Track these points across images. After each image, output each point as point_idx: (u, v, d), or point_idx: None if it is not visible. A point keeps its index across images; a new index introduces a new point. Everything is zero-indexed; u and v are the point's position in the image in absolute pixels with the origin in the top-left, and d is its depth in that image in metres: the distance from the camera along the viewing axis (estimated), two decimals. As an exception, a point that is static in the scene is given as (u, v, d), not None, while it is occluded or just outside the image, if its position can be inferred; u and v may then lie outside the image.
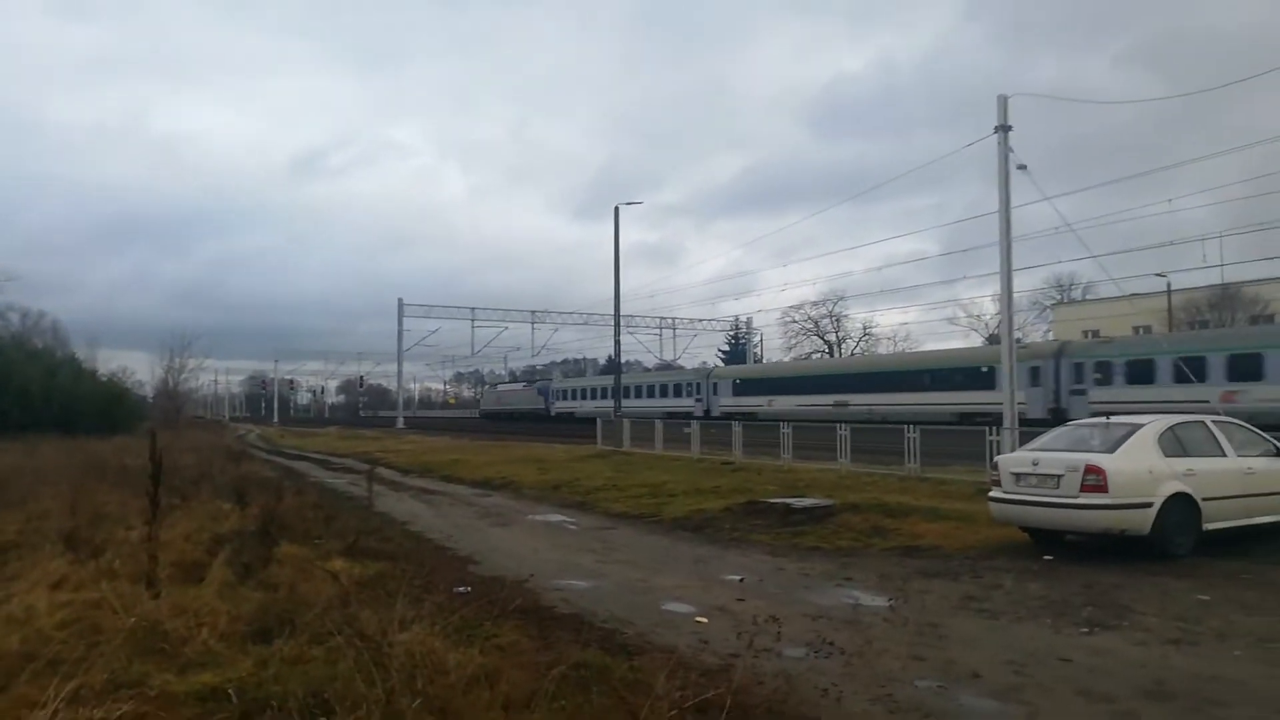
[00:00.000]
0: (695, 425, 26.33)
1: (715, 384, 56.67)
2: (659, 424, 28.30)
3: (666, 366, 73.70)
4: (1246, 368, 28.00)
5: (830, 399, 43.13)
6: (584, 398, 68.98)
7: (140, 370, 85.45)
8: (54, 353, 46.59)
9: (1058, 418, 28.22)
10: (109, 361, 58.62)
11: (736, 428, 23.98)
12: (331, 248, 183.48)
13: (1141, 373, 30.77)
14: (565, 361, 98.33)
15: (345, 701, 3.91)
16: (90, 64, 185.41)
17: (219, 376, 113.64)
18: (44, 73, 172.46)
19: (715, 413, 52.06)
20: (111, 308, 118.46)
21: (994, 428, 16.56)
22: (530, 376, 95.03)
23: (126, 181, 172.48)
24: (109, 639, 5.24)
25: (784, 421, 23.19)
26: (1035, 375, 33.35)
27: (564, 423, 61.59)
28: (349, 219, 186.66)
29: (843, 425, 20.05)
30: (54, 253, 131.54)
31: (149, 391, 60.22)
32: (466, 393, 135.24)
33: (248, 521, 10.14)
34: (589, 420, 45.49)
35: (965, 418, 31.26)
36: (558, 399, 73.57)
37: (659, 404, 58.18)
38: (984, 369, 35.41)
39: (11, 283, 65.27)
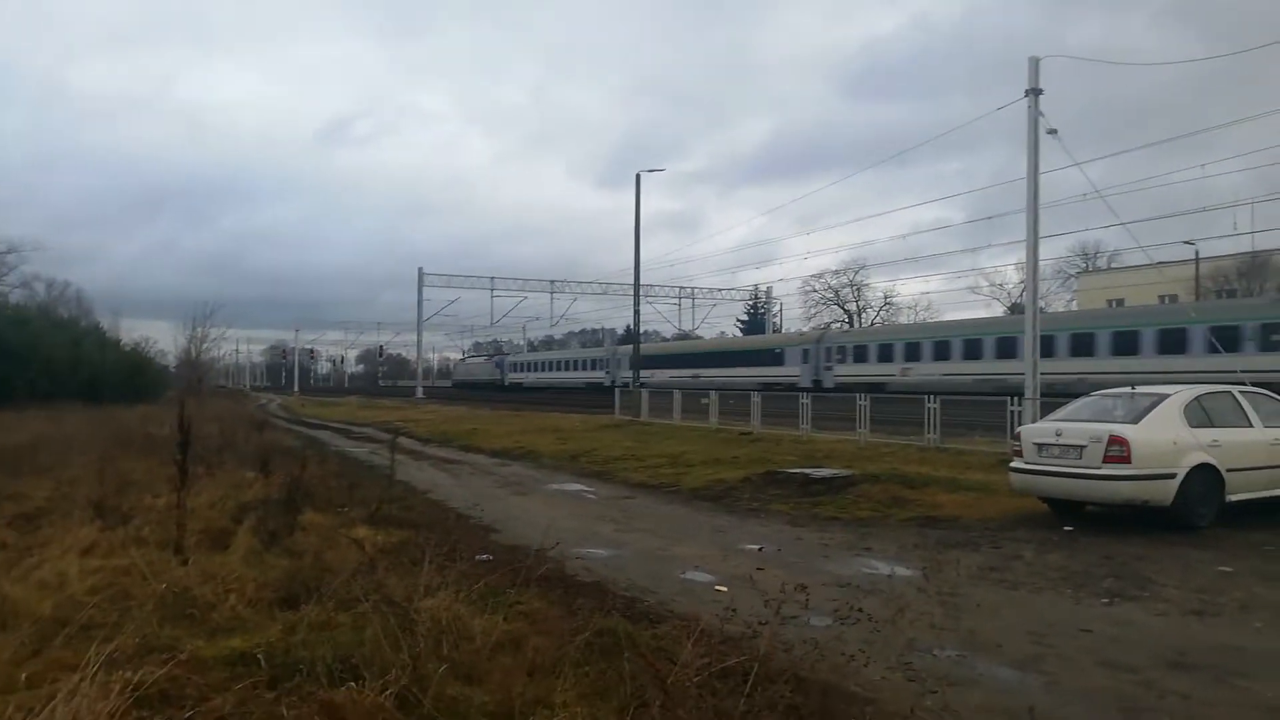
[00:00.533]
0: (714, 395, 26.31)
1: (619, 359, 64.55)
2: (677, 394, 28.32)
3: (684, 336, 73.75)
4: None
5: (689, 372, 56.43)
6: (529, 370, 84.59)
7: (163, 340, 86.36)
8: (79, 322, 47.20)
9: (818, 386, 43.80)
10: (132, 331, 59.16)
11: (756, 398, 23.95)
12: (354, 217, 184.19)
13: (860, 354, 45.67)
14: (584, 331, 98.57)
15: (372, 666, 3.96)
16: (115, 31, 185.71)
17: (240, 346, 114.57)
18: (69, 41, 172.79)
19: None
20: (136, 278, 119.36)
21: (1015, 398, 16.46)
22: (495, 349, 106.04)
23: (152, 151, 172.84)
24: (139, 604, 5.34)
25: (802, 392, 23.20)
26: (805, 355, 49.81)
27: (518, 391, 76.64)
28: (372, 188, 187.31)
29: (862, 395, 19.98)
30: (79, 223, 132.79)
31: (172, 361, 60.85)
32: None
33: (272, 490, 10.26)
34: (564, 389, 66.20)
35: (766, 386, 38.92)
36: (511, 371, 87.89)
37: (579, 376, 72.45)
38: (776, 350, 53.51)
39: (37, 253, 65.96)
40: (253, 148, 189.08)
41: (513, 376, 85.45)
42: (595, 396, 49.65)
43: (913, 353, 42.20)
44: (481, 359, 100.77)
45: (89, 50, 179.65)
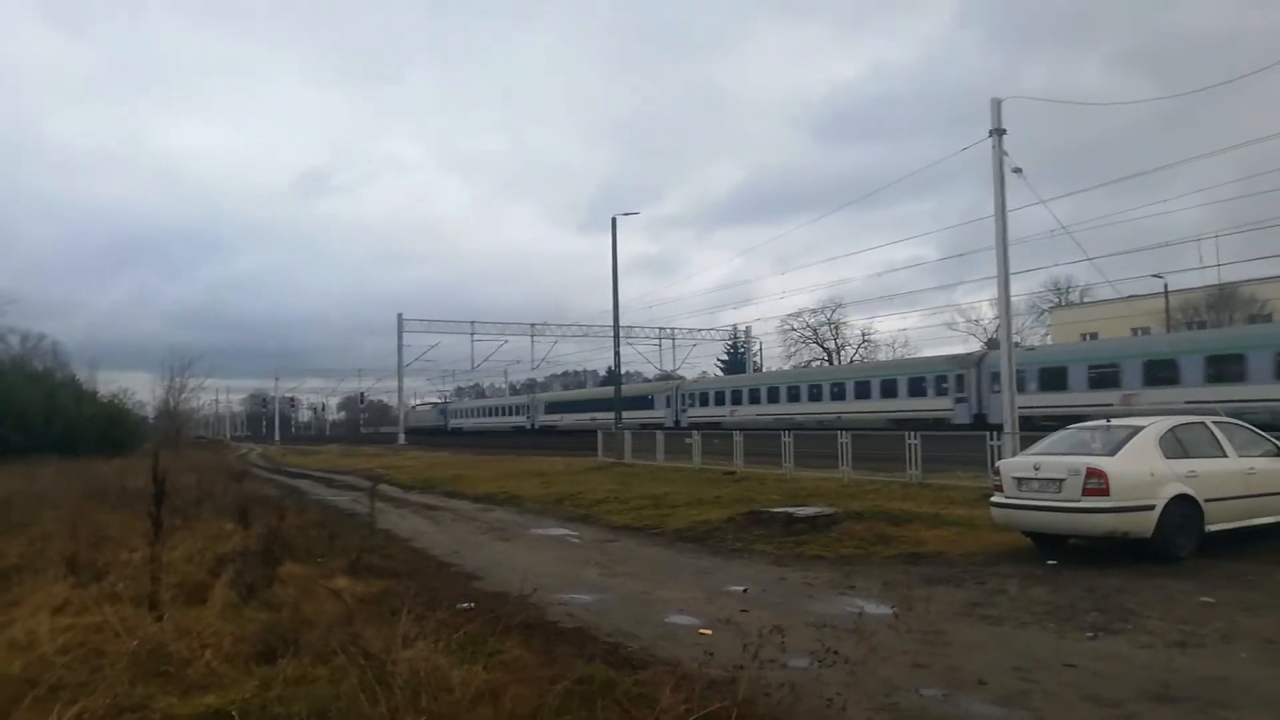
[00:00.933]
0: (696, 436, 26.31)
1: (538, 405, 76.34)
2: (660, 435, 28.31)
3: (666, 377, 73.88)
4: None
5: (587, 415, 60.17)
6: (467, 416, 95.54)
7: (141, 391, 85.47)
8: (54, 375, 46.57)
9: (676, 425, 48.52)
10: (110, 383, 58.27)
11: (738, 437, 23.95)
12: (331, 265, 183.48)
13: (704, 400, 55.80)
14: (565, 374, 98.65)
15: (349, 721, 3.90)
16: (88, 83, 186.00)
17: (220, 396, 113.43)
18: (42, 92, 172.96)
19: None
20: (113, 329, 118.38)
21: (994, 433, 16.56)
22: (443, 400, 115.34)
23: (126, 203, 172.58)
24: (112, 662, 5.23)
25: (783, 432, 23.24)
26: (667, 400, 58.31)
27: (458, 434, 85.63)
28: (349, 235, 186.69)
29: (843, 433, 20.03)
30: (54, 275, 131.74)
31: (150, 412, 60.12)
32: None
33: (250, 541, 10.11)
34: (494, 433, 76.60)
35: (643, 425, 43.19)
36: (453, 417, 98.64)
37: (506, 420, 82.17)
38: (649, 396, 60.66)
39: (11, 305, 65.39)
40: (227, 197, 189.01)
41: (454, 422, 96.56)
42: (576, 439, 50.05)
43: (737, 398, 52.11)
44: (427, 407, 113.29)
45: (63, 101, 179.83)
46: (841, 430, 20.50)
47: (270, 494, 19.30)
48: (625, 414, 51.48)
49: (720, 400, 54.14)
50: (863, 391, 43.28)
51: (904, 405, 40.11)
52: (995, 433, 16.60)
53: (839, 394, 44.44)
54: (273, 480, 29.61)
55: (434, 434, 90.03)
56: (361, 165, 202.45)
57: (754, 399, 50.71)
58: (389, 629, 5.29)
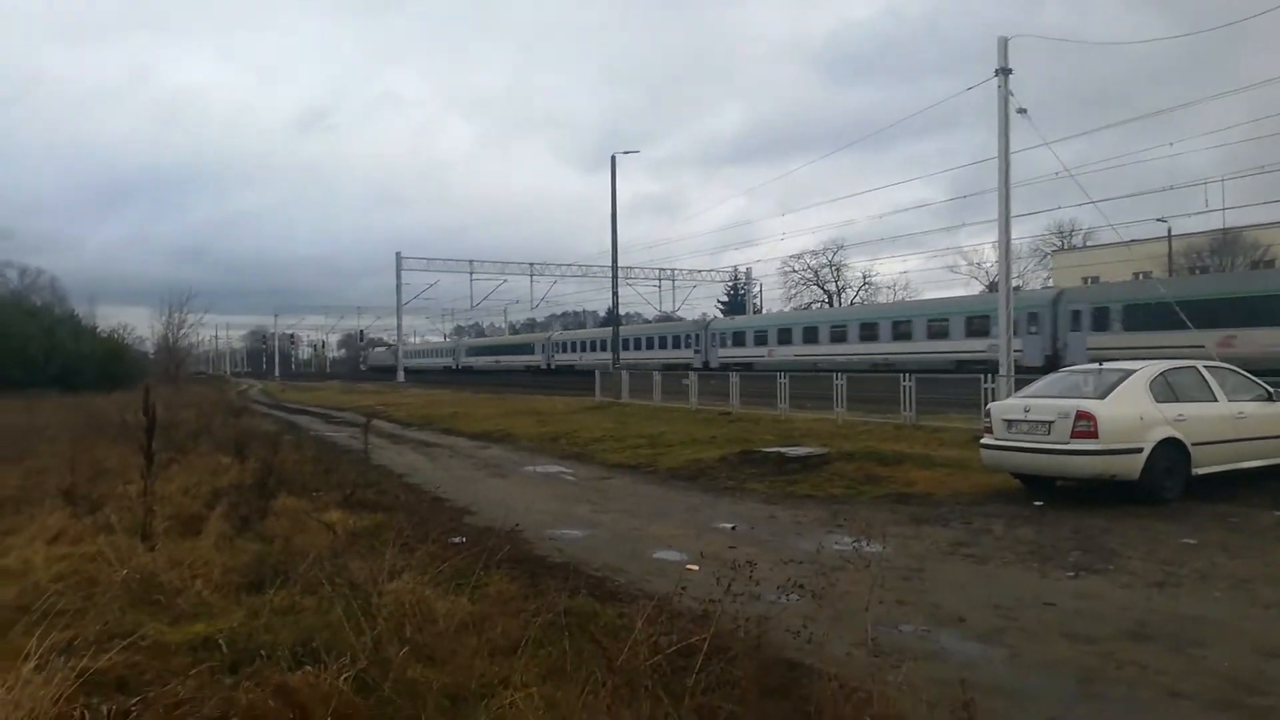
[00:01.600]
0: (693, 376, 26.38)
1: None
2: (657, 375, 28.36)
3: (666, 318, 73.79)
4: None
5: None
6: (417, 357, 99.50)
7: (141, 327, 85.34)
8: (53, 310, 46.60)
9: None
10: (109, 319, 58.60)
11: (734, 378, 24.01)
12: (332, 203, 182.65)
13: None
14: (565, 314, 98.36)
15: (333, 650, 3.96)
16: (87, 20, 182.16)
17: (220, 332, 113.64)
18: (42, 28, 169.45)
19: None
20: (112, 265, 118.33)
21: (989, 375, 16.58)
22: (376, 341, 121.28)
23: (125, 139, 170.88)
24: (104, 591, 5.32)
25: (780, 371, 23.26)
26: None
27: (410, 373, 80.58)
28: (350, 173, 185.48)
29: (839, 374, 20.06)
30: (52, 211, 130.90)
31: (150, 348, 60.25)
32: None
33: (246, 475, 10.22)
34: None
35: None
36: (406, 358, 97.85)
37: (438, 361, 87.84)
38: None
39: (8, 241, 64.92)
40: (227, 134, 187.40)
41: (406, 362, 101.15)
42: (576, 379, 49.93)
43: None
44: (383, 349, 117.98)
45: (60, 39, 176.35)
46: (837, 373, 20.52)
47: (268, 429, 19.42)
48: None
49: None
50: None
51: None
52: (990, 374, 16.61)
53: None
54: (271, 416, 29.79)
55: (388, 373, 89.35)
56: (362, 102, 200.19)
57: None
58: (377, 561, 5.35)
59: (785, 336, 47.14)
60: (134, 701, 3.35)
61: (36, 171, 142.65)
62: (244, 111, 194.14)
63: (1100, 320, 31.58)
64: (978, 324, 35.28)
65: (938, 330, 37.92)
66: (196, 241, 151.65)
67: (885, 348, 39.59)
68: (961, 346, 36.10)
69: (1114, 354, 33.09)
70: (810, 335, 45.11)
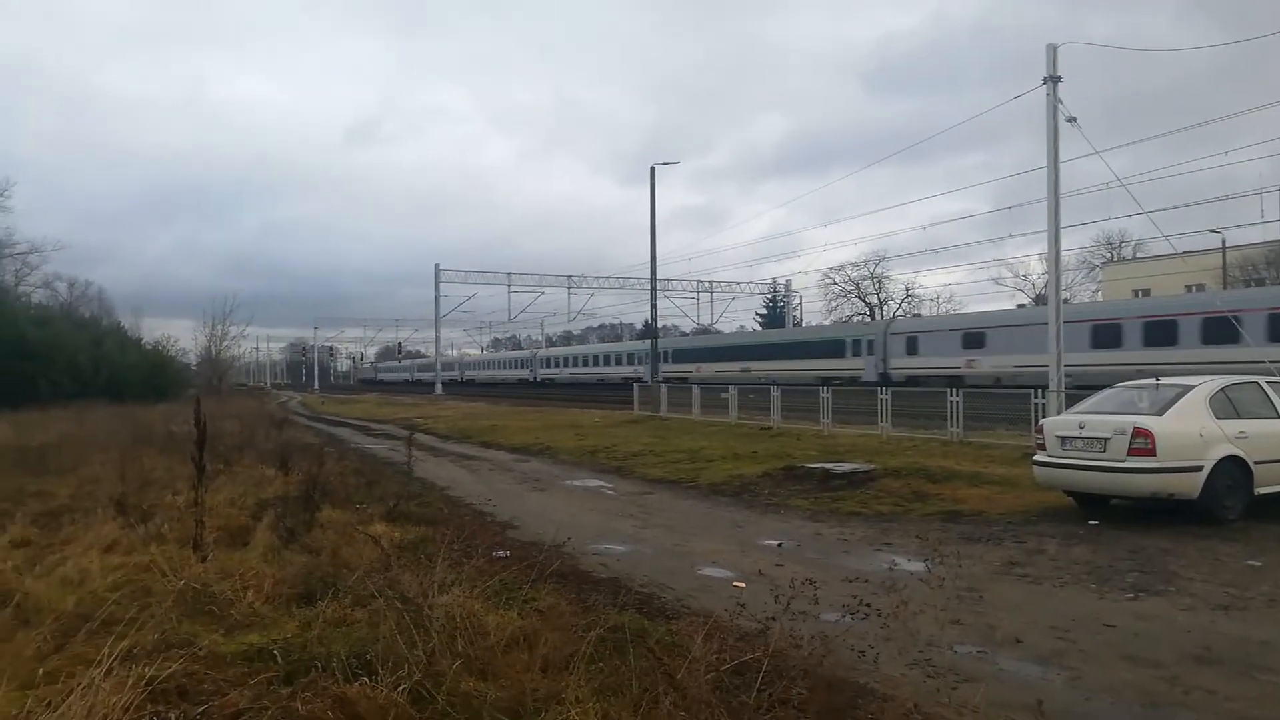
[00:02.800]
0: (733, 391, 26.22)
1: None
2: (696, 389, 28.25)
3: (704, 330, 73.64)
4: None
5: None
6: (392, 373, 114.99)
7: (184, 339, 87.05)
8: (100, 321, 47.71)
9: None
10: (154, 330, 59.88)
11: (775, 392, 23.84)
12: (375, 215, 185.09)
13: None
14: (601, 326, 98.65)
15: (387, 662, 3.96)
16: (141, 33, 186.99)
17: (260, 344, 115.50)
18: (96, 43, 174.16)
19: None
20: (158, 276, 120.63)
21: (1039, 390, 16.26)
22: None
23: (176, 152, 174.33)
24: (159, 601, 5.36)
25: (822, 387, 23.07)
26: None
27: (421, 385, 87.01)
28: (392, 186, 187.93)
29: (884, 389, 19.83)
30: (101, 222, 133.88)
31: (193, 359, 61.39)
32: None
33: (291, 487, 10.32)
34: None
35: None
36: (382, 374, 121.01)
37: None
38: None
39: (59, 252, 66.78)
40: (276, 147, 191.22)
41: (383, 376, 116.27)
42: (614, 391, 50.14)
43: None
44: (367, 365, 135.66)
45: (115, 52, 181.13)
46: (881, 388, 20.26)
47: (310, 441, 19.63)
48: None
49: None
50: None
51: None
52: (1041, 390, 16.31)
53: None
54: (312, 428, 30.14)
55: (401, 385, 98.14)
56: (407, 116, 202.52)
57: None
58: (425, 574, 5.35)
59: (710, 355, 54.75)
60: (198, 711, 3.37)
61: (90, 184, 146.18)
62: (291, 125, 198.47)
63: (912, 346, 41.21)
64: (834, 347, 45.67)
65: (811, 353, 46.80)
66: (241, 253, 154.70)
67: (779, 365, 46.63)
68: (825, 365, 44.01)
69: (911, 372, 39.43)
70: (721, 354, 53.38)
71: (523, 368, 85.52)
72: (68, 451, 14.46)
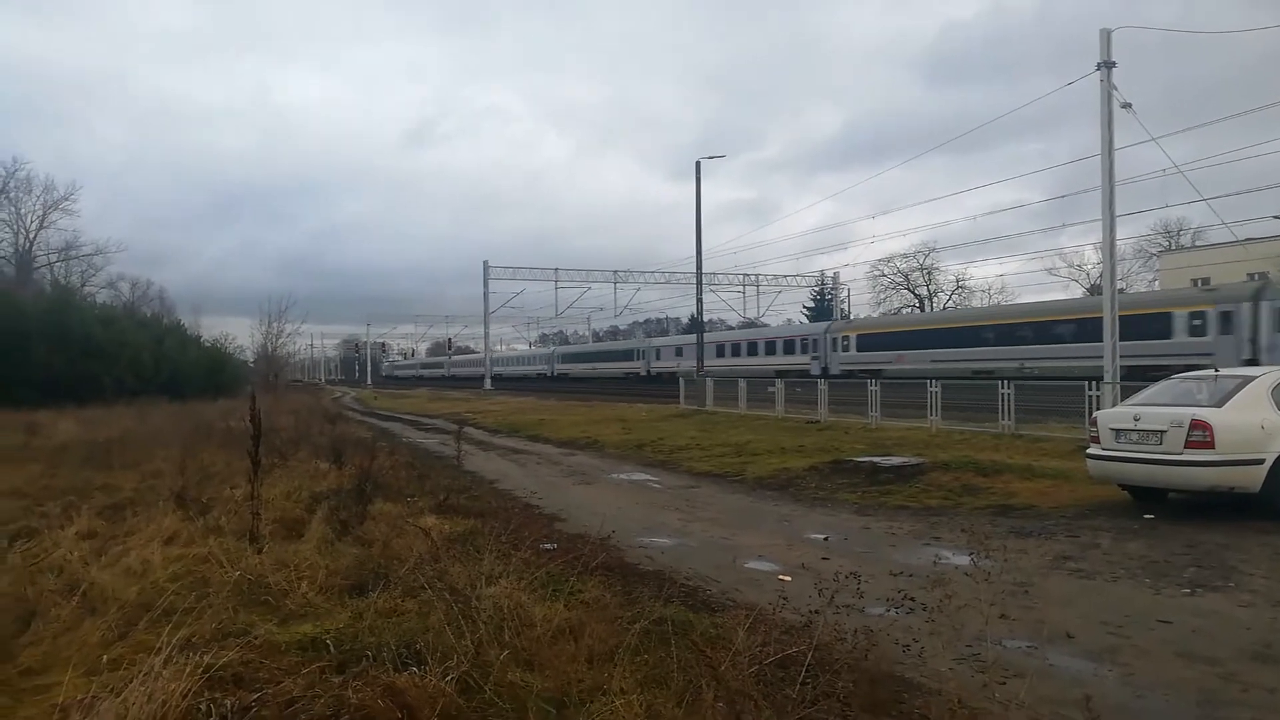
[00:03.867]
0: (780, 385, 26.07)
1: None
2: (742, 383, 28.14)
3: (750, 324, 73.30)
4: None
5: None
6: (402, 370, 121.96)
7: (241, 336, 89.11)
8: (161, 320, 49.00)
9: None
10: (212, 328, 61.46)
11: (822, 386, 23.64)
12: (428, 214, 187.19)
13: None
14: (648, 321, 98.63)
15: (436, 652, 4.04)
16: (208, 43, 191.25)
17: (315, 340, 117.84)
18: (165, 53, 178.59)
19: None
20: (218, 276, 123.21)
21: (1093, 383, 15.92)
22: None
23: (236, 155, 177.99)
24: (217, 591, 5.53)
25: (870, 378, 22.84)
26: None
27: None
28: (446, 185, 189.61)
29: (933, 382, 19.56)
30: (163, 225, 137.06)
31: (249, 356, 62.82)
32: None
33: (344, 480, 10.53)
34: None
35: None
36: (398, 370, 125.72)
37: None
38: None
39: (122, 253, 68.77)
40: (330, 148, 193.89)
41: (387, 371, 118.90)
42: (659, 386, 50.47)
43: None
44: (413, 361, 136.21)
45: (182, 61, 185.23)
46: (930, 380, 20.00)
47: (362, 436, 19.99)
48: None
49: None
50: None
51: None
52: (1095, 382, 15.95)
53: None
54: (365, 423, 30.66)
55: (410, 380, 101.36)
56: (462, 116, 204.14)
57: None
58: (474, 566, 5.44)
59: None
60: (253, 698, 3.48)
61: (156, 187, 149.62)
62: (348, 127, 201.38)
63: (846, 345, 48.03)
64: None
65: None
66: (298, 253, 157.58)
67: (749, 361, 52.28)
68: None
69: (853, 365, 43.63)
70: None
71: (543, 363, 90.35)
72: (131, 447, 14.92)
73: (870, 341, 47.32)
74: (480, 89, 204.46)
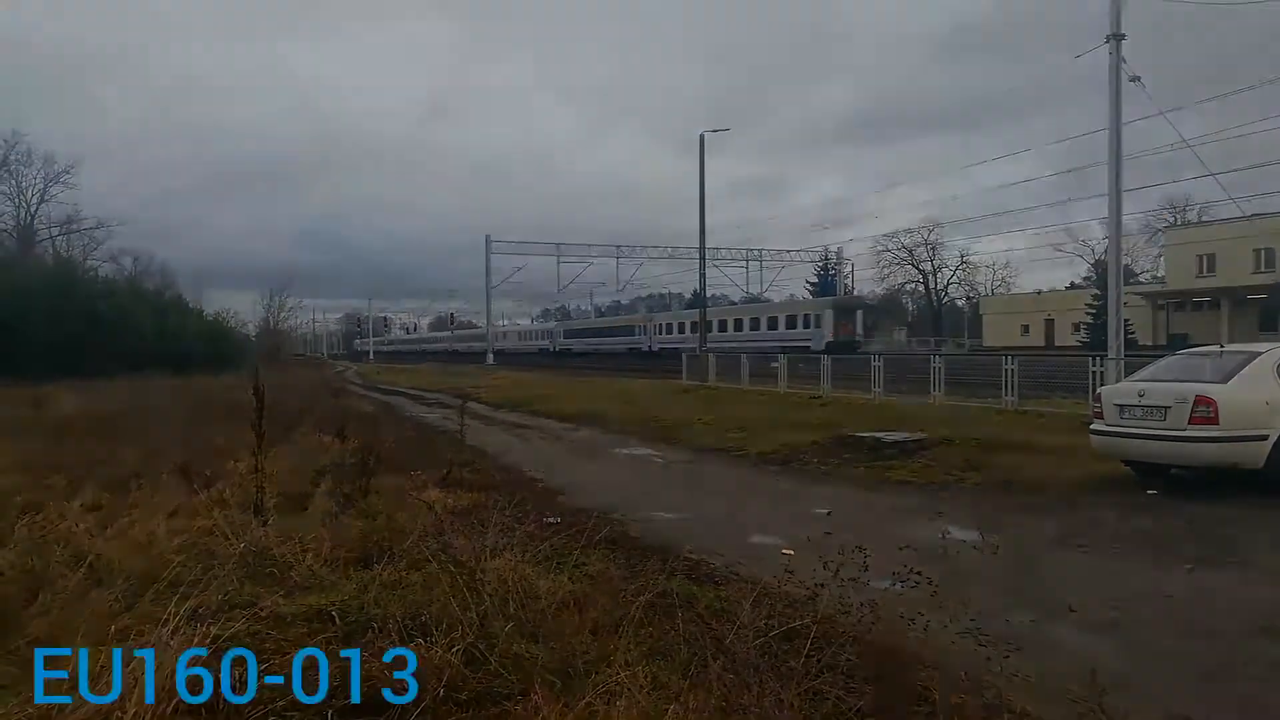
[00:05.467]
0: (783, 360, 26.07)
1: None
2: (745, 359, 28.14)
3: (752, 300, 73.17)
4: None
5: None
6: (380, 346, 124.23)
7: (245, 311, 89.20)
8: (163, 294, 49.00)
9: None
10: (215, 303, 61.45)
11: (826, 361, 23.65)
12: (432, 187, 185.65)
13: None
14: (651, 296, 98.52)
15: (441, 624, 4.05)
16: (223, 20, 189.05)
17: (318, 315, 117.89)
18: (180, 28, 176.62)
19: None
20: (228, 251, 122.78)
21: (1097, 358, 15.91)
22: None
23: (250, 129, 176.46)
24: (222, 563, 5.54)
25: (873, 355, 22.83)
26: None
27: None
28: (451, 159, 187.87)
29: (936, 357, 19.55)
30: (164, 199, 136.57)
31: (253, 331, 62.95)
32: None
33: (348, 454, 10.55)
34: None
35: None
36: (378, 348, 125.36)
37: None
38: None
39: (125, 227, 68.72)
40: (340, 124, 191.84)
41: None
42: (664, 362, 50.62)
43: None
44: (403, 334, 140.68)
45: (196, 37, 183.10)
46: (936, 356, 19.99)
47: (366, 410, 20.03)
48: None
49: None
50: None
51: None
52: (1099, 358, 15.93)
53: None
54: (368, 397, 30.70)
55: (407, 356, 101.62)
56: (469, 91, 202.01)
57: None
58: (478, 539, 5.45)
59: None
60: (261, 668, 3.49)
61: (168, 162, 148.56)
62: (356, 102, 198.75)
63: (669, 329, 59.75)
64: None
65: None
66: (305, 228, 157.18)
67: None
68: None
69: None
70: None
71: (546, 339, 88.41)
72: (135, 420, 14.94)
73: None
74: (489, 63, 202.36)
